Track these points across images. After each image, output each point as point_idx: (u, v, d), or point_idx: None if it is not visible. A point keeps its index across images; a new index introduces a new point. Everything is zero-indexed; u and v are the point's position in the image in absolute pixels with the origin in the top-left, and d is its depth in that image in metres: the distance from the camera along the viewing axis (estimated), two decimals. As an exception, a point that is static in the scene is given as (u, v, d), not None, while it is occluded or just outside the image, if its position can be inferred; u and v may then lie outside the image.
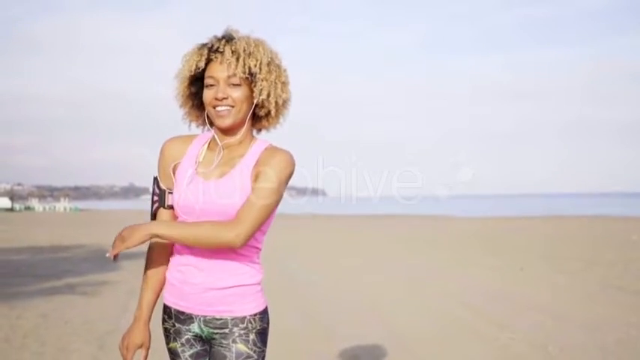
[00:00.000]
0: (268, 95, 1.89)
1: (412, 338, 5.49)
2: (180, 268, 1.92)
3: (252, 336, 1.89)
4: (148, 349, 1.95)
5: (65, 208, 67.70)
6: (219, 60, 1.88)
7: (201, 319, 1.90)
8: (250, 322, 1.89)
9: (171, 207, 1.94)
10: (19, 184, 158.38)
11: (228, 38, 1.90)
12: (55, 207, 70.82)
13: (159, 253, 1.97)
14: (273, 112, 1.93)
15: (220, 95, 1.87)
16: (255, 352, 1.89)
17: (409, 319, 6.37)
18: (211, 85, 1.89)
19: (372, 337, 5.42)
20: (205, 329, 1.91)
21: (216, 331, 1.89)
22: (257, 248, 1.92)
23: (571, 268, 10.90)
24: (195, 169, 1.91)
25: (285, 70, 1.94)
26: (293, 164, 1.89)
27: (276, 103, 1.92)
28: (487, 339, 5.47)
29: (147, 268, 1.98)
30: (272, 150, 1.91)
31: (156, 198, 1.96)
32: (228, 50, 1.87)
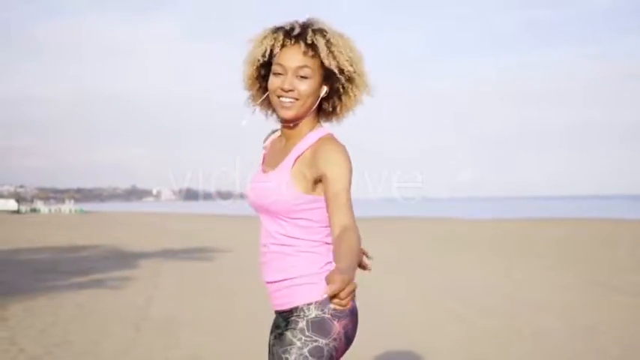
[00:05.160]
0: (352, 97, 1.86)
1: (407, 324, 6.29)
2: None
3: (301, 324, 1.79)
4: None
5: (70, 210, 68.34)
6: (297, 49, 1.79)
7: (278, 312, 1.91)
8: (303, 311, 1.81)
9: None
10: (21, 187, 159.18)
11: (316, 29, 1.80)
12: (60, 209, 71.37)
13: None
14: (345, 115, 1.90)
15: (287, 86, 1.78)
16: (299, 339, 1.77)
17: (407, 309, 7.17)
18: (279, 74, 1.80)
19: (373, 325, 6.21)
20: (282, 324, 1.89)
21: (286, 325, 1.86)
22: (298, 239, 1.84)
23: (558, 265, 11.71)
24: (263, 161, 1.96)
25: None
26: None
27: (354, 107, 1.89)
28: (469, 324, 6.28)
29: None
30: (323, 143, 1.82)
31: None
32: (321, 40, 1.78)
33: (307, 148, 1.81)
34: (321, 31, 1.79)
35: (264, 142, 1.99)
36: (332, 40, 1.78)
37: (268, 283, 1.89)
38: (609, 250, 15.03)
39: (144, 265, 11.49)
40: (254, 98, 1.93)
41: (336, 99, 1.85)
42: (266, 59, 1.81)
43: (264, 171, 1.89)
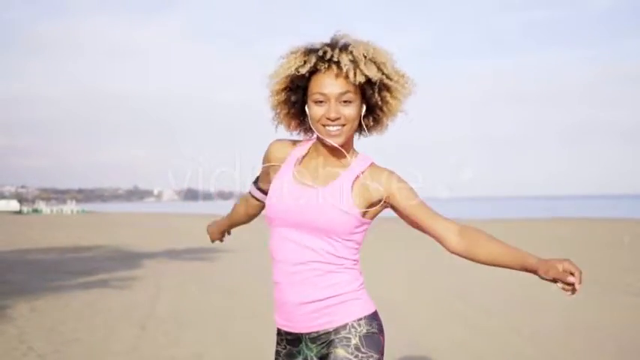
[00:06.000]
0: (401, 95, 1.81)
1: (408, 324, 6.40)
2: (275, 286, 1.86)
3: (354, 340, 1.77)
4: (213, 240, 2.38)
5: (72, 211, 68.34)
6: (333, 73, 1.74)
7: (307, 337, 1.82)
8: (353, 327, 1.78)
9: (252, 196, 2.12)
10: (23, 187, 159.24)
11: (342, 46, 1.75)
12: (62, 209, 71.35)
13: (243, 207, 2.20)
14: (388, 125, 1.87)
15: (333, 115, 1.74)
16: (356, 356, 1.75)
17: (408, 308, 7.28)
18: (321, 102, 1.75)
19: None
20: (312, 347, 1.82)
21: (322, 347, 1.80)
22: (344, 258, 1.82)
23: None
24: (294, 175, 1.84)
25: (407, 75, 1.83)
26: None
27: (395, 114, 1.84)
28: (470, 323, 6.39)
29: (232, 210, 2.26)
30: (378, 169, 1.85)
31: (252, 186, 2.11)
32: (345, 58, 1.72)
33: (361, 173, 1.81)
34: (346, 47, 1.75)
35: (276, 152, 1.93)
36: (355, 53, 1.72)
37: (305, 303, 1.79)
38: (611, 249, 15.12)
39: (148, 265, 11.61)
40: (283, 120, 1.88)
41: (378, 111, 1.82)
42: (290, 77, 1.77)
43: (302, 183, 1.83)
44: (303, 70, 1.73)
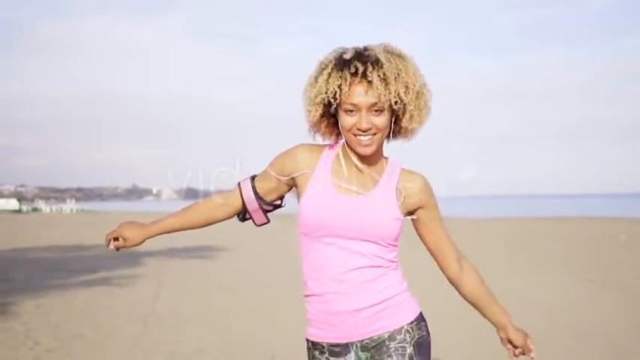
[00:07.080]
0: (417, 122, 1.80)
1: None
2: (319, 298, 1.81)
3: (409, 350, 1.79)
4: (124, 246, 2.01)
5: (72, 210, 68.29)
6: (364, 86, 1.70)
7: (358, 344, 1.80)
8: (408, 332, 1.81)
9: (240, 193, 1.91)
10: (22, 186, 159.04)
11: (374, 61, 1.72)
12: (61, 208, 71.25)
13: (209, 207, 1.96)
14: (411, 133, 1.84)
15: (365, 126, 1.72)
16: None
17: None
18: (351, 111, 1.73)
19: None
20: (362, 355, 1.80)
21: (373, 352, 1.80)
22: (390, 260, 1.84)
23: (552, 264, 11.96)
24: (332, 182, 1.80)
25: (429, 91, 1.81)
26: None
27: (418, 127, 1.83)
28: (463, 322, 6.53)
29: (190, 208, 2.01)
30: (413, 174, 1.86)
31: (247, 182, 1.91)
32: (376, 77, 1.70)
33: (398, 180, 1.82)
34: (378, 63, 1.71)
35: (305, 158, 1.84)
36: (387, 73, 1.70)
37: (362, 309, 1.78)
38: (607, 248, 15.25)
39: (149, 263, 11.76)
40: (323, 134, 1.85)
41: (405, 120, 1.79)
42: (337, 101, 1.73)
43: (341, 191, 1.79)
44: (346, 89, 1.71)
